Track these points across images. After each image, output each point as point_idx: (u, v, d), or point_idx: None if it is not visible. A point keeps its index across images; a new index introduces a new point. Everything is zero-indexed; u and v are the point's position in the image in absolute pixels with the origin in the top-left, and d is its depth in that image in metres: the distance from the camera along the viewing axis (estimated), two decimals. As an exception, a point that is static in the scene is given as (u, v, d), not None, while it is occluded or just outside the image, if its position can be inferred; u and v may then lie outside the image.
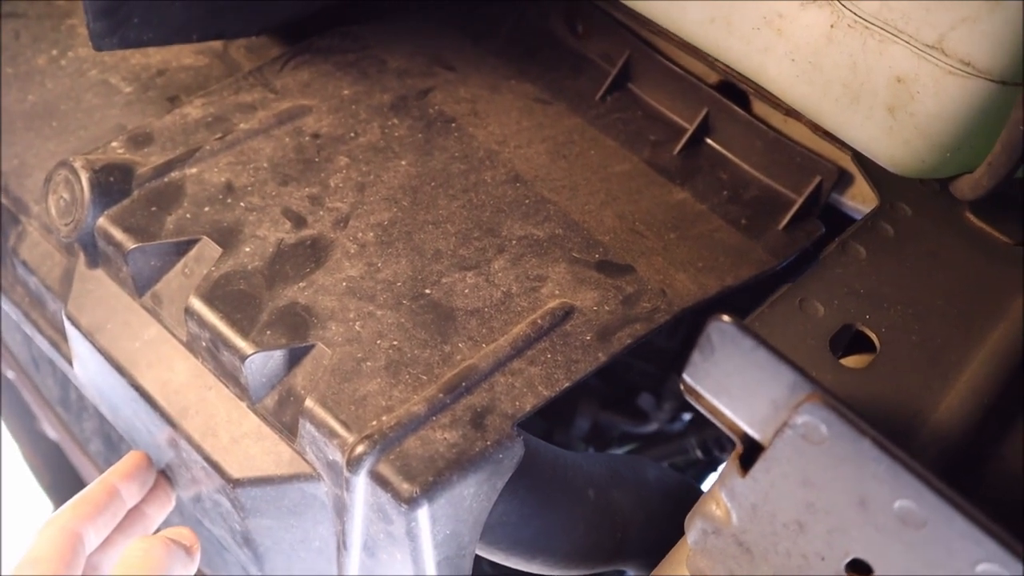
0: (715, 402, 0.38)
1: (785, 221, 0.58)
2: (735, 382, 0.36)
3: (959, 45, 0.41)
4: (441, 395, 0.44)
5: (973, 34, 0.40)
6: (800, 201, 0.58)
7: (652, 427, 0.79)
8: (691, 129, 0.61)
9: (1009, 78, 0.41)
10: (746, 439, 0.38)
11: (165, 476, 0.55)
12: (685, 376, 0.39)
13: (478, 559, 0.74)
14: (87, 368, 0.56)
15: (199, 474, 0.51)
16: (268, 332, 0.47)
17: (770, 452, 0.36)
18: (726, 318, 0.35)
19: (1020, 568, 0.31)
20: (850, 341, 0.46)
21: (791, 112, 0.58)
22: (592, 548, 0.51)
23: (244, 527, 0.50)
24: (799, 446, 0.35)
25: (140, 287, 0.52)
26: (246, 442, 0.48)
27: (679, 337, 0.77)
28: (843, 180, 0.58)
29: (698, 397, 0.39)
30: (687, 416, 0.84)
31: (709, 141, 0.62)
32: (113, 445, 0.75)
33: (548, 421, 0.80)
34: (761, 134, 0.59)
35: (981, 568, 0.32)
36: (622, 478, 0.53)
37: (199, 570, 0.66)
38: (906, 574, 0.34)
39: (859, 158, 0.55)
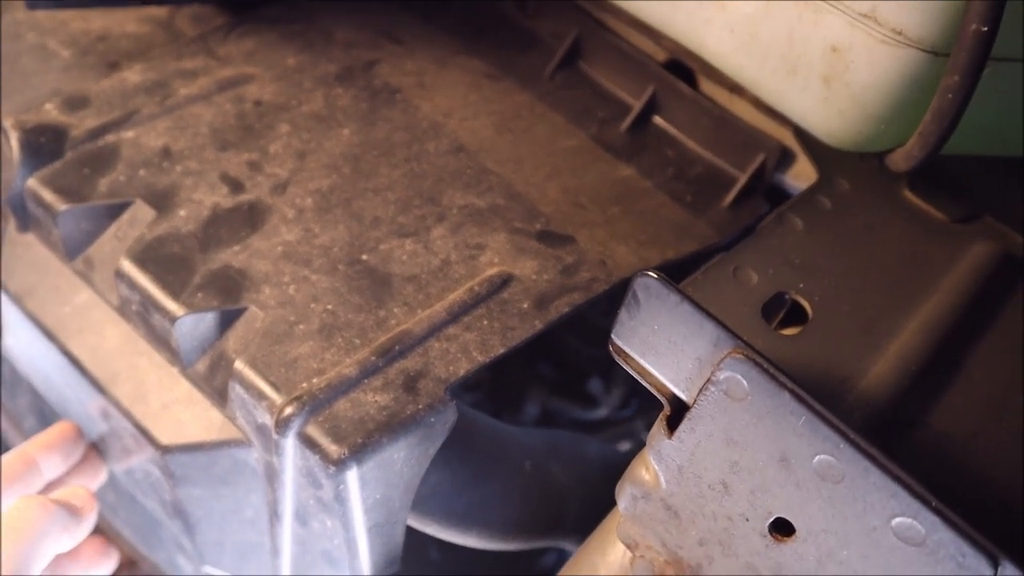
0: (642, 362, 0.38)
1: (730, 198, 0.58)
2: (661, 340, 0.36)
3: (891, 14, 0.41)
4: (374, 358, 0.44)
5: (904, 3, 0.40)
6: (744, 179, 0.58)
7: (601, 413, 0.79)
8: (638, 107, 0.61)
9: (940, 48, 0.41)
10: (673, 400, 0.38)
11: (96, 449, 0.54)
12: (613, 336, 0.39)
13: (424, 544, 0.73)
14: (17, 336, 0.55)
15: (129, 443, 0.50)
16: (200, 294, 0.46)
17: (695, 411, 0.36)
18: (651, 274, 0.35)
19: (933, 521, 0.31)
20: (785, 316, 0.46)
21: (736, 88, 0.58)
22: (529, 521, 0.51)
23: (174, 496, 0.49)
24: (722, 403, 0.35)
25: (71, 251, 0.51)
26: (176, 408, 0.47)
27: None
28: (786, 159, 0.58)
29: (626, 358, 0.39)
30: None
31: (656, 119, 0.62)
32: (47, 421, 0.73)
33: (496, 406, 0.79)
34: (707, 111, 0.59)
35: (896, 522, 0.32)
36: (561, 452, 0.53)
37: (134, 549, 0.65)
38: (826, 530, 0.34)
39: (800, 134, 0.55)
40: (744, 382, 0.33)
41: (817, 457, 0.33)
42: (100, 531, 0.53)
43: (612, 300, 0.73)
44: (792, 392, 0.33)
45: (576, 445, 0.55)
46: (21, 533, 0.44)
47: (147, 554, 0.62)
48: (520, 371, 0.77)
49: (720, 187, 0.59)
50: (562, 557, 0.69)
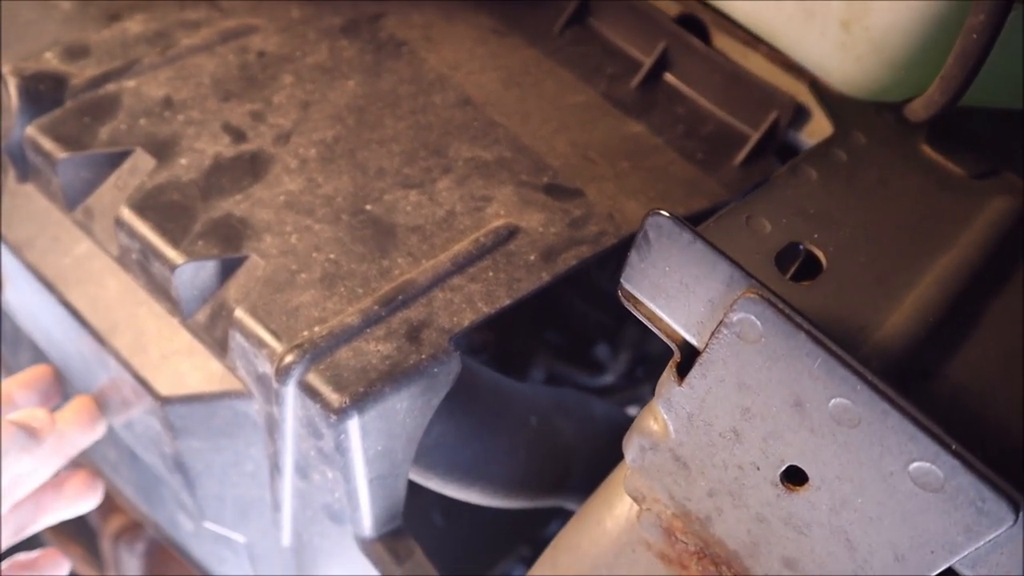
0: (652, 306, 0.37)
1: (741, 156, 0.57)
2: (672, 282, 0.35)
3: (914, -47, 0.40)
4: (376, 307, 0.43)
5: (928, -59, 0.39)
6: (757, 136, 0.57)
7: (608, 379, 0.78)
8: (649, 63, 0.60)
9: (964, -11, 0.40)
10: (684, 346, 0.37)
11: (96, 403, 0.53)
12: (622, 280, 0.37)
13: (427, 509, 0.73)
14: (18, 289, 0.54)
15: (129, 395, 0.49)
16: (200, 242, 0.45)
17: (706, 355, 0.35)
18: (663, 213, 0.34)
19: (952, 465, 0.30)
20: (798, 270, 0.45)
21: (750, 43, 0.57)
22: (533, 477, 0.50)
23: (174, 449, 0.48)
24: (735, 346, 0.34)
25: (71, 201, 0.50)
26: (176, 359, 0.46)
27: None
28: (800, 116, 0.57)
29: (636, 303, 0.38)
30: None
31: (667, 76, 0.60)
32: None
33: (501, 371, 0.78)
34: (720, 68, 0.58)
35: (914, 467, 0.31)
36: (567, 409, 0.52)
37: (135, 508, 0.64)
38: (840, 477, 0.33)
39: (816, 88, 0.54)
40: (758, 323, 0.32)
41: (833, 400, 0.32)
42: (83, 465, 0.52)
43: (620, 262, 0.72)
44: (808, 333, 0.32)
45: (582, 404, 0.54)
46: None
47: (148, 513, 0.62)
48: (526, 336, 0.76)
49: (732, 145, 0.57)
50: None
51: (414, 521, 0.57)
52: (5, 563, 0.51)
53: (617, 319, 0.77)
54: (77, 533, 0.84)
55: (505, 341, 0.74)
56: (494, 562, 0.77)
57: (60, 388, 0.52)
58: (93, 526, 0.84)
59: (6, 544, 0.49)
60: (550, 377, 0.78)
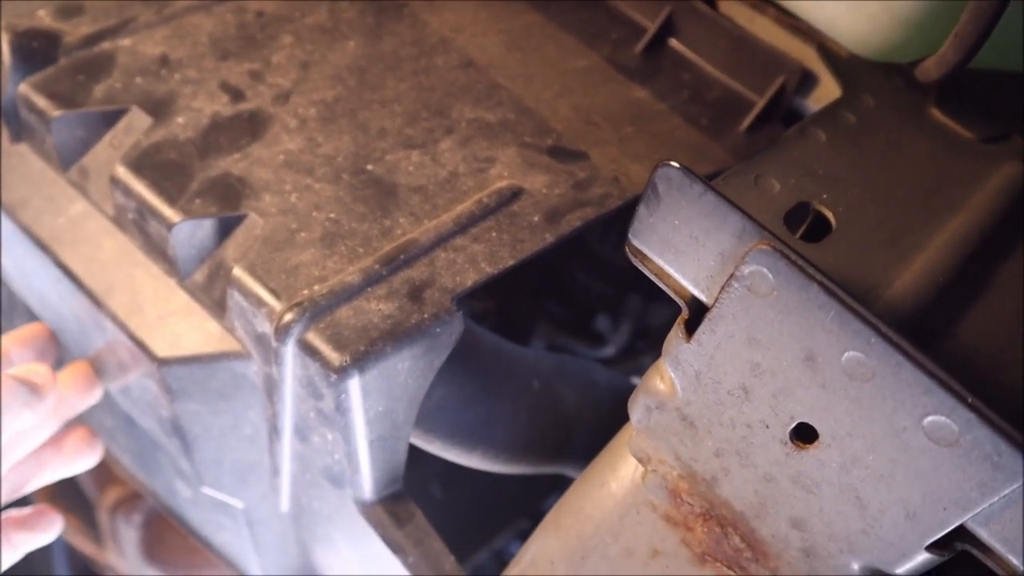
0: (661, 262, 0.36)
1: (747, 123, 0.56)
2: (681, 236, 0.35)
3: (929, -96, 0.39)
4: (378, 266, 0.42)
5: None
6: (763, 103, 0.56)
7: (609, 350, 0.77)
8: (653, 28, 0.59)
9: (980, -58, 0.39)
10: (692, 303, 0.36)
11: (92, 367, 0.52)
12: (630, 235, 0.37)
13: (426, 480, 0.72)
14: (11, 252, 0.53)
15: (125, 357, 0.48)
16: (198, 201, 0.44)
17: (715, 311, 0.34)
18: (674, 164, 0.33)
19: (968, 418, 0.29)
20: (807, 233, 0.45)
21: (757, 6, 0.56)
22: (535, 442, 0.50)
23: (172, 412, 0.48)
24: (746, 300, 0.33)
25: (65, 160, 0.49)
26: (173, 320, 0.46)
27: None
28: (807, 82, 0.56)
29: (643, 259, 0.37)
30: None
31: (672, 41, 0.59)
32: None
33: (503, 344, 0.78)
34: (726, 32, 0.57)
35: (929, 421, 0.30)
36: (569, 374, 0.51)
37: (132, 476, 0.64)
38: (851, 434, 0.32)
39: (824, 52, 0.53)
40: (770, 276, 0.32)
41: (846, 354, 0.31)
42: (82, 424, 0.52)
43: (622, 232, 0.71)
44: (821, 285, 0.31)
45: (585, 370, 0.53)
46: None
47: (146, 481, 0.61)
48: (527, 308, 0.76)
49: (737, 111, 0.57)
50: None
51: (413, 493, 0.56)
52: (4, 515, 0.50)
53: (618, 291, 0.76)
54: (74, 505, 0.84)
55: (506, 311, 0.74)
56: (493, 535, 0.77)
57: (56, 347, 0.51)
58: (90, 498, 0.83)
59: (5, 501, 0.48)
60: (551, 348, 0.78)
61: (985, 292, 0.41)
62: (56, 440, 0.50)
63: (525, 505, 0.79)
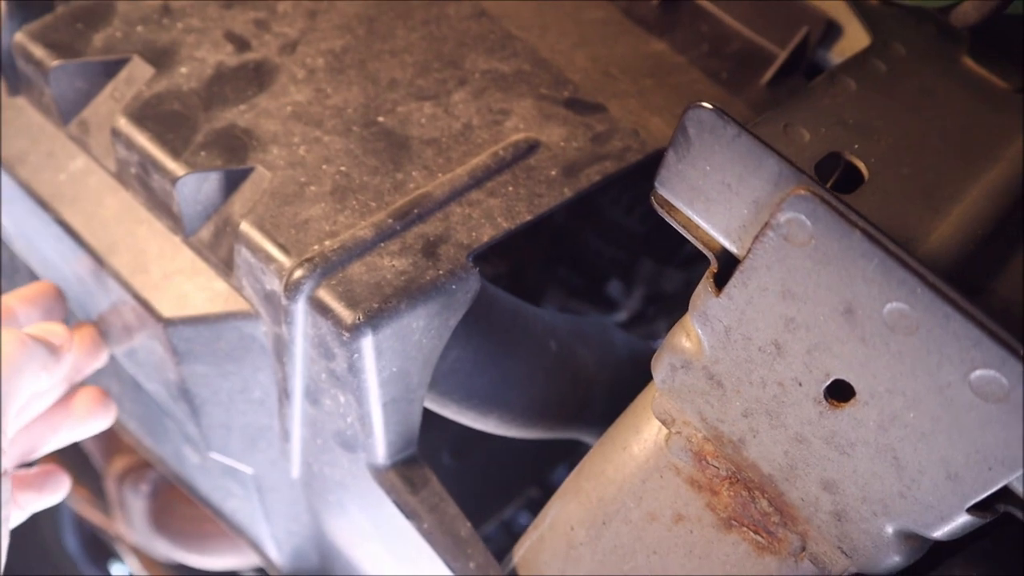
0: (689, 212, 0.34)
1: (768, 76, 0.54)
2: (713, 183, 0.33)
3: None
4: (391, 221, 0.40)
5: None
6: (785, 55, 0.54)
7: (622, 315, 0.76)
8: (673, -22, 0.57)
9: None
10: (722, 255, 0.35)
11: (97, 329, 0.51)
12: (657, 185, 0.35)
13: (436, 449, 0.71)
14: (11, 211, 0.52)
15: (130, 319, 0.47)
16: (203, 153, 0.43)
17: (748, 262, 0.32)
18: (706, 104, 0.32)
19: (1020, 371, 0.28)
20: (837, 181, 0.43)
21: (781, -48, 0.54)
22: (552, 404, 0.48)
23: (178, 375, 0.46)
24: (781, 250, 0.31)
25: (65, 113, 0.47)
26: (179, 279, 0.44)
27: (651, 221, 0.73)
28: (832, 33, 0.54)
29: (671, 209, 0.35)
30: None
31: (691, -8, 0.57)
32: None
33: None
34: (748, -19, 0.55)
35: (977, 375, 0.29)
36: (587, 336, 0.50)
37: (139, 442, 0.62)
38: (891, 390, 0.31)
39: None
40: (808, 223, 0.30)
41: (889, 306, 0.30)
42: (96, 387, 0.50)
43: (637, 193, 0.69)
44: (864, 232, 0.29)
45: (603, 331, 0.51)
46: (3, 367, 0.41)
47: (153, 447, 0.60)
48: (538, 273, 0.74)
49: (758, 64, 0.55)
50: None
51: (423, 460, 0.54)
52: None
53: (630, 255, 0.74)
54: (82, 474, 0.83)
55: (517, 277, 0.72)
56: (503, 504, 0.76)
57: (64, 305, 0.50)
58: (98, 467, 0.82)
59: (17, 465, 0.47)
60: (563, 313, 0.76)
61: (1023, 247, 0.40)
62: (66, 401, 0.48)
63: (535, 475, 0.78)
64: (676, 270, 0.73)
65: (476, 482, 0.74)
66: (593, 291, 0.77)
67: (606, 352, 0.51)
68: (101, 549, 1.01)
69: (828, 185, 0.41)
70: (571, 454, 0.77)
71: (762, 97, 0.54)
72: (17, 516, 0.47)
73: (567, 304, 0.76)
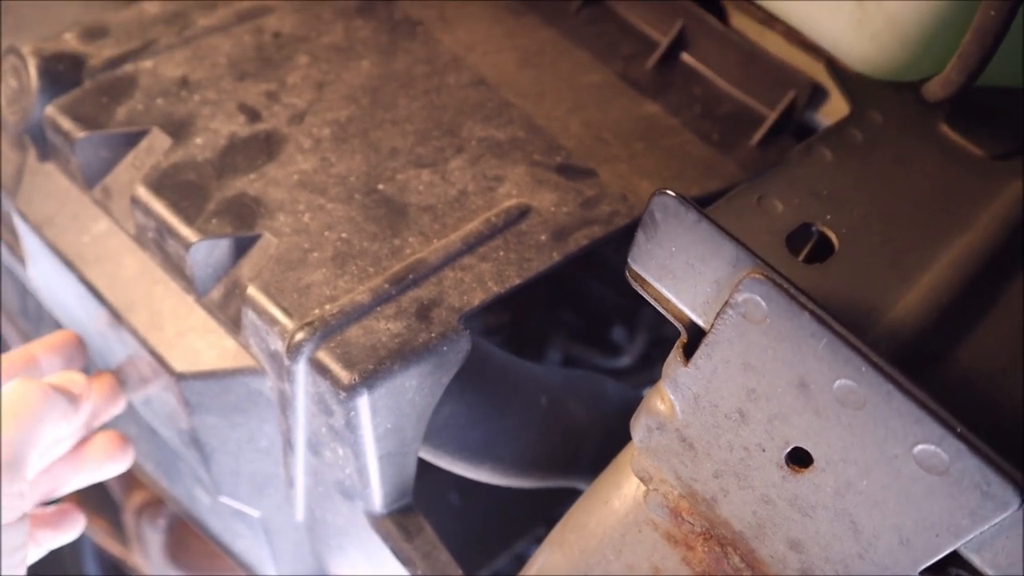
0: (659, 287, 0.37)
1: (758, 137, 0.56)
2: (678, 262, 0.35)
3: (931, -72, 0.39)
4: (387, 286, 0.43)
5: (946, -85, 0.38)
6: (774, 117, 0.56)
7: (624, 361, 0.78)
8: (665, 43, 0.59)
9: (982, -35, 0.39)
10: (691, 327, 0.37)
11: (116, 378, 0.54)
12: (630, 260, 0.37)
13: (443, 488, 0.73)
14: (39, 266, 0.55)
15: (146, 371, 0.50)
16: (214, 221, 0.46)
17: (711, 336, 0.35)
18: (669, 192, 0.34)
19: (957, 447, 0.30)
20: (810, 253, 0.45)
21: (767, 21, 0.56)
22: (544, 458, 0.50)
23: (190, 425, 0.49)
24: (740, 327, 0.33)
25: (89, 179, 0.51)
26: (191, 336, 0.47)
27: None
28: (818, 96, 0.56)
29: (643, 283, 0.37)
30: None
31: (684, 55, 0.60)
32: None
33: (517, 353, 0.78)
34: (737, 47, 0.57)
35: (919, 449, 0.31)
36: (578, 390, 0.52)
37: (155, 483, 0.65)
38: (844, 459, 0.33)
39: (832, 68, 0.53)
40: (763, 303, 0.32)
41: (838, 382, 0.32)
42: (114, 431, 0.53)
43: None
44: (812, 313, 0.31)
45: (595, 384, 0.54)
46: (19, 416, 0.43)
47: (168, 487, 0.63)
48: (542, 318, 0.76)
49: (748, 125, 0.57)
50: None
51: (430, 500, 0.57)
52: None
53: (634, 301, 0.77)
54: (101, 507, 0.86)
55: (521, 323, 0.75)
56: (510, 542, 0.77)
57: (85, 353, 0.53)
58: (117, 500, 0.86)
59: (37, 505, 0.49)
60: (566, 359, 0.79)
61: (989, 313, 0.42)
62: (86, 444, 0.51)
63: (543, 512, 0.79)
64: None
65: (484, 520, 0.76)
66: (596, 336, 0.79)
67: (598, 405, 0.53)
68: (122, 581, 1.04)
69: (801, 255, 0.43)
70: (576, 493, 0.78)
71: (752, 157, 0.56)
72: (35, 553, 0.50)
73: (570, 349, 0.78)
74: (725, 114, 0.58)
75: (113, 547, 0.90)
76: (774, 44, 0.57)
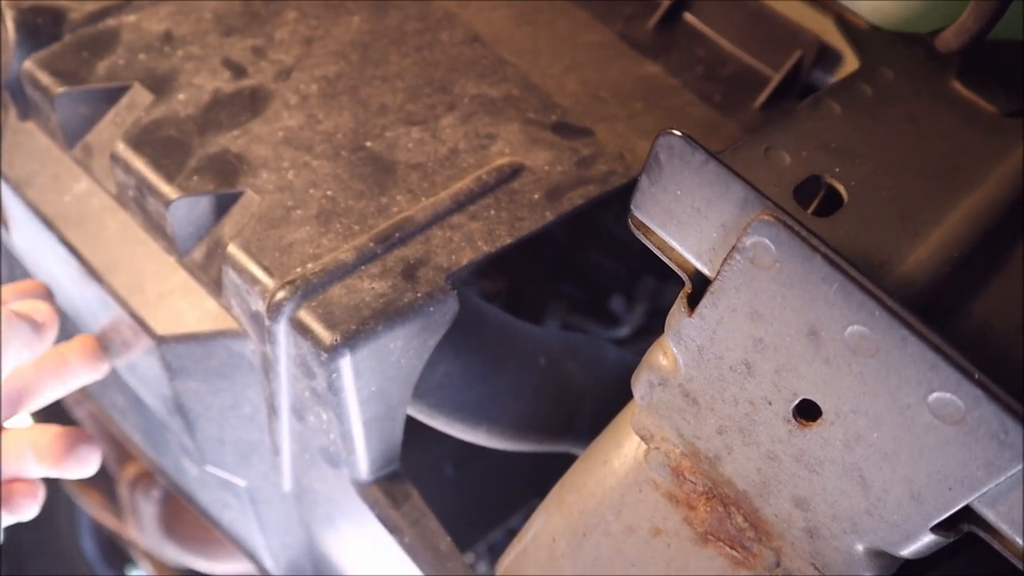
0: (663, 234, 0.35)
1: (762, 99, 0.55)
2: (683, 206, 0.33)
3: None
4: (372, 245, 0.41)
5: None
6: (779, 78, 0.55)
7: (623, 331, 0.76)
8: (667, 2, 0.57)
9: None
10: (695, 277, 0.35)
11: (98, 342, 0.52)
12: (632, 208, 0.36)
13: (439, 460, 0.71)
14: (20, 228, 0.54)
15: (128, 335, 0.48)
16: (195, 178, 0.44)
17: (717, 283, 0.33)
18: (675, 132, 0.32)
19: (974, 395, 0.28)
20: (818, 205, 0.43)
21: (771, -24, 0.54)
22: (541, 419, 0.49)
23: (173, 390, 0.47)
24: (748, 273, 0.32)
25: (70, 137, 0.49)
26: (173, 298, 0.45)
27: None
28: (825, 56, 0.55)
29: (646, 231, 0.36)
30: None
31: (687, 15, 0.58)
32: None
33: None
34: (741, 6, 0.56)
35: (934, 397, 0.29)
36: (578, 352, 0.50)
37: (143, 454, 0.64)
38: (855, 411, 0.31)
39: (842, 24, 0.51)
40: (772, 247, 0.31)
41: (850, 328, 0.30)
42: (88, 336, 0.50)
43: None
44: (825, 256, 0.30)
45: (594, 347, 0.52)
46: None
47: (155, 459, 0.61)
48: (540, 288, 0.75)
49: (752, 87, 0.55)
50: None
51: (425, 471, 0.55)
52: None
53: (633, 271, 0.75)
54: (95, 479, 0.84)
55: (518, 291, 0.73)
56: (507, 514, 0.76)
57: (54, 303, 0.51)
58: (111, 472, 0.84)
59: (5, 418, 0.47)
60: (564, 328, 0.77)
61: (1002, 269, 0.40)
62: (57, 350, 0.49)
63: (537, 486, 0.78)
64: (677, 285, 0.73)
65: (478, 493, 0.74)
66: (595, 306, 0.77)
67: (597, 368, 0.51)
68: (118, 553, 1.03)
69: (810, 208, 0.41)
70: (573, 460, 0.77)
71: (755, 120, 0.54)
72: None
73: (569, 319, 0.77)
74: (728, 75, 0.56)
75: (108, 520, 0.88)
76: (780, 2, 0.55)
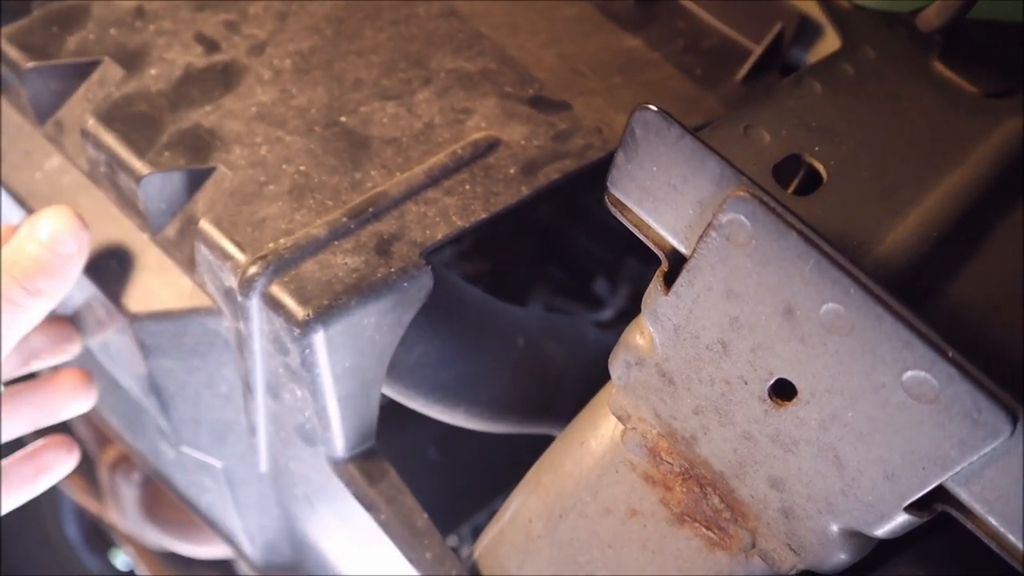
0: (639, 212, 0.35)
1: (743, 72, 0.54)
2: (659, 183, 0.33)
3: None
4: (345, 220, 0.41)
5: None
6: (760, 51, 0.54)
7: (607, 313, 0.76)
8: (649, -24, 0.57)
9: None
10: (672, 255, 0.35)
11: (72, 322, 0.52)
12: (609, 185, 0.35)
13: (421, 443, 0.71)
14: (-10, 208, 0.53)
15: (101, 313, 0.47)
16: (167, 153, 0.43)
17: (693, 261, 0.32)
18: (651, 107, 0.32)
19: (948, 373, 0.28)
20: (798, 185, 0.43)
21: (754, -49, 0.54)
22: (520, 400, 0.48)
23: (147, 369, 0.47)
24: (724, 250, 0.31)
25: (40, 114, 0.48)
26: (146, 275, 0.45)
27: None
28: (807, 31, 0.54)
29: (622, 208, 0.35)
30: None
31: (668, -11, 0.57)
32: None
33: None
34: (722, -21, 0.55)
35: (908, 376, 0.29)
36: (558, 333, 0.50)
37: (120, 438, 0.63)
38: (830, 390, 0.31)
39: (825, 2, 0.51)
40: (748, 224, 0.30)
41: (825, 306, 0.30)
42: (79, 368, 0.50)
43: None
44: (800, 233, 0.29)
45: (575, 329, 0.52)
46: None
47: (133, 443, 0.61)
48: (524, 270, 0.74)
49: (733, 60, 0.55)
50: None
51: (408, 454, 0.55)
52: (5, 460, 0.48)
53: (617, 254, 0.75)
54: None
55: (503, 273, 0.72)
56: (491, 497, 0.76)
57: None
58: (91, 455, 0.84)
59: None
60: (548, 311, 0.77)
61: (980, 249, 0.40)
62: (50, 379, 0.48)
63: (521, 470, 0.78)
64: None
65: (462, 476, 0.74)
66: (579, 289, 0.77)
67: (577, 349, 0.51)
68: (101, 538, 1.03)
69: (790, 188, 0.41)
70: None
71: (737, 93, 0.54)
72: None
73: (553, 302, 0.76)
74: (709, 48, 0.55)
75: (89, 503, 0.88)
76: (761, -24, 0.55)
